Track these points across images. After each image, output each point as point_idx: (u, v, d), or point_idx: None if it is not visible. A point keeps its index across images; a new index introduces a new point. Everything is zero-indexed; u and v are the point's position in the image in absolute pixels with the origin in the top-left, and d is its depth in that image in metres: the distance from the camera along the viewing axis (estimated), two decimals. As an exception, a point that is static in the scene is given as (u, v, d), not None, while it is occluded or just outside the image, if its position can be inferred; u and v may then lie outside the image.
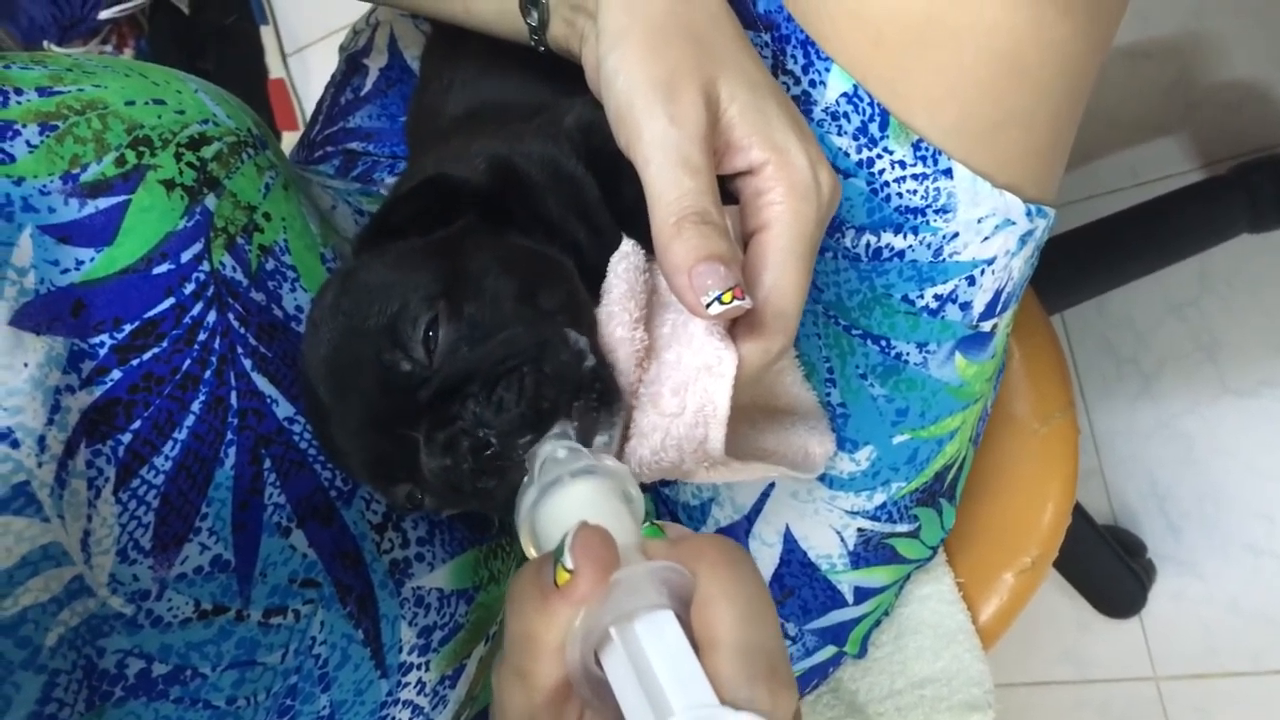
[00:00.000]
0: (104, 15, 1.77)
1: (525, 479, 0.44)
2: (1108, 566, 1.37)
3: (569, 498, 0.41)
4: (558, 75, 0.59)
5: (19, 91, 0.47)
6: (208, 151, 0.52)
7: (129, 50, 1.86)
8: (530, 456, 0.45)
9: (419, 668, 0.56)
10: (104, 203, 0.47)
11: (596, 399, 0.48)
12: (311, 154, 0.86)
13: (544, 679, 0.36)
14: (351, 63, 0.86)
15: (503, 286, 0.49)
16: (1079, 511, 1.26)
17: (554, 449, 0.44)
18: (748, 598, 0.35)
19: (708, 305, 0.43)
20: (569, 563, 0.35)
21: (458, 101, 0.66)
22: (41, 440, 0.42)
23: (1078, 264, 1.24)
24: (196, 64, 1.86)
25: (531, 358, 0.46)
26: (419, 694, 0.56)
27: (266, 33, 1.95)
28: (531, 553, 0.42)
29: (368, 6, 0.87)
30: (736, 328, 0.48)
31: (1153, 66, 1.34)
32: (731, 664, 0.34)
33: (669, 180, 0.44)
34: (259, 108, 1.86)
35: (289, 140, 1.89)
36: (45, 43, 1.77)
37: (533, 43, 0.55)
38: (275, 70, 1.95)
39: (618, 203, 0.55)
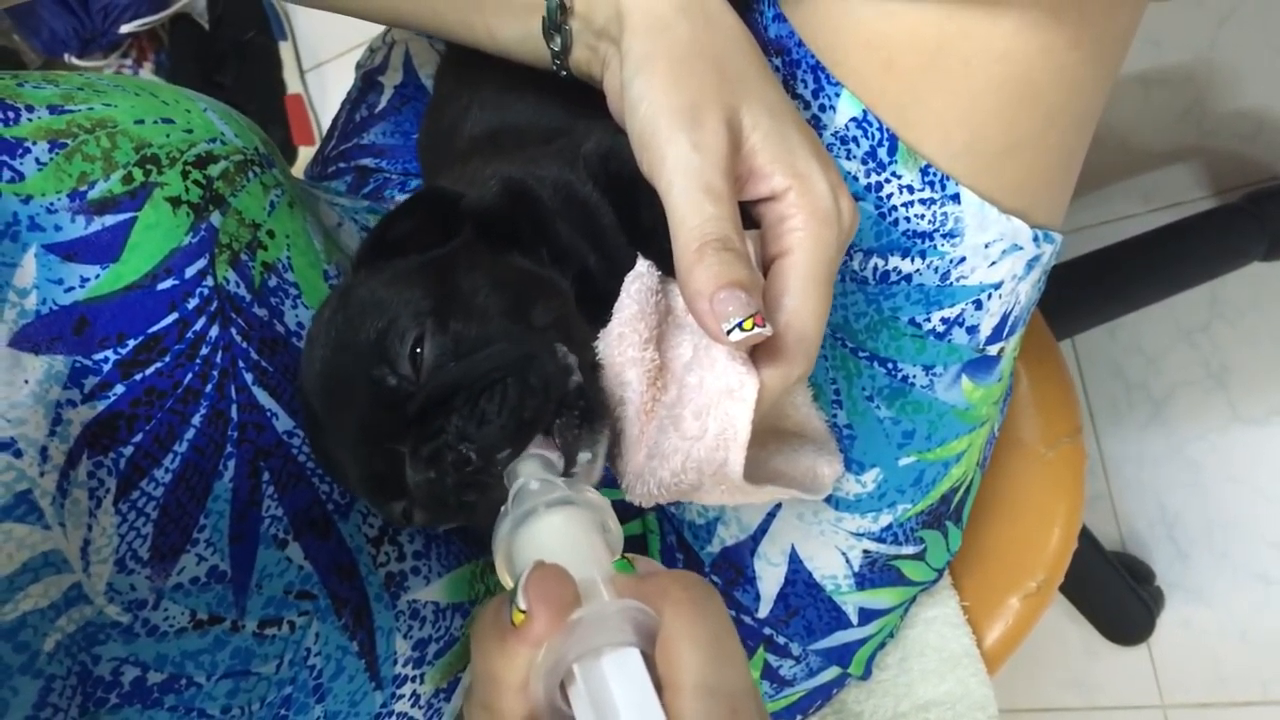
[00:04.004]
0: (125, 29, 1.78)
1: (502, 508, 0.44)
2: (1116, 593, 1.37)
3: (542, 530, 0.41)
4: (575, 98, 0.60)
5: (30, 109, 0.47)
6: (214, 170, 0.52)
7: (149, 64, 1.87)
8: (509, 477, 0.46)
9: (414, 680, 0.56)
10: (110, 220, 0.47)
11: (579, 416, 0.48)
12: (325, 169, 0.86)
13: (509, 715, 0.36)
14: (367, 80, 0.87)
15: (493, 303, 0.50)
16: (1087, 537, 1.26)
17: (528, 480, 0.44)
18: (711, 638, 0.36)
19: (729, 332, 0.43)
20: (522, 604, 0.36)
21: (475, 123, 0.66)
22: (44, 451, 0.43)
23: (1089, 289, 1.24)
24: (215, 78, 1.87)
25: (516, 370, 0.47)
26: (414, 706, 0.56)
27: (285, 48, 1.96)
28: (508, 582, 0.43)
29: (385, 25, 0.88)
30: (757, 352, 0.48)
31: (1167, 93, 1.34)
32: (692, 704, 0.34)
33: (691, 206, 0.44)
34: (276, 122, 1.89)
35: (306, 155, 1.90)
36: (66, 55, 1.79)
37: (555, 67, 0.56)
38: (293, 85, 1.97)
39: (635, 227, 0.55)
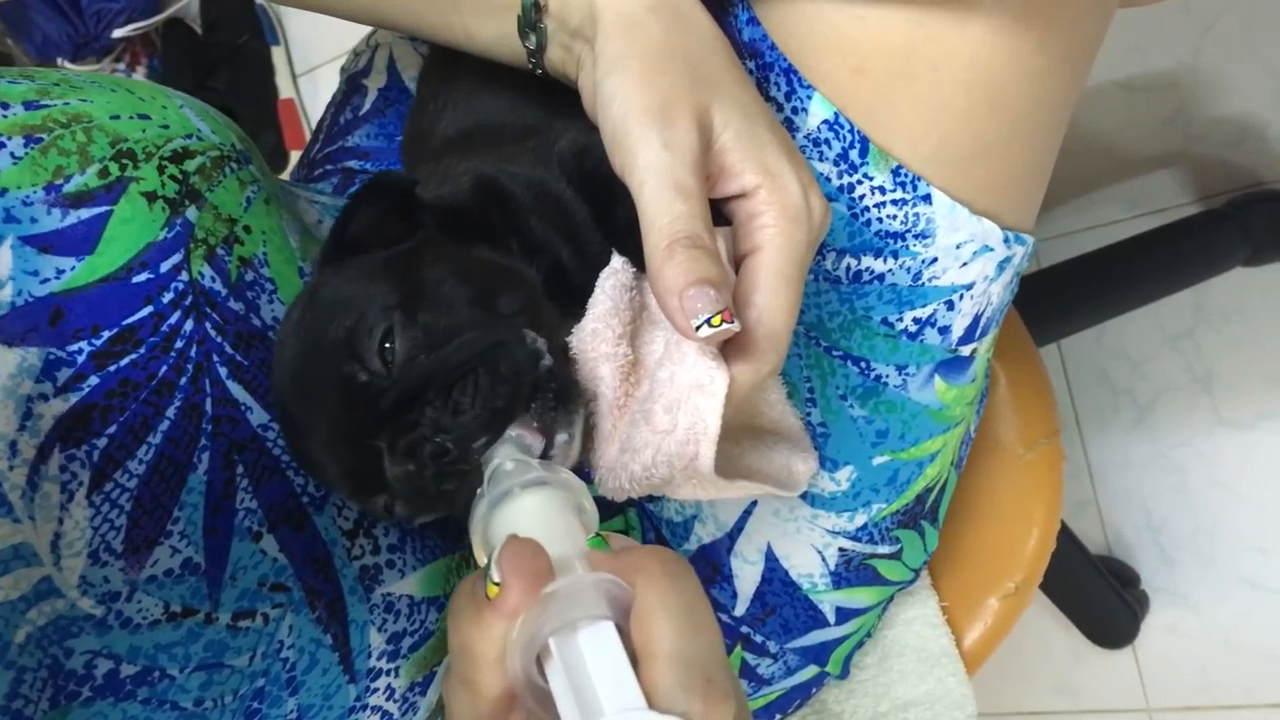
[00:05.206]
0: (117, 33, 1.79)
1: (479, 490, 0.45)
2: (1101, 597, 1.37)
3: (518, 510, 0.42)
4: (553, 98, 0.60)
5: (5, 105, 0.48)
6: (190, 165, 0.53)
7: (141, 68, 1.88)
8: (485, 461, 0.46)
9: (388, 673, 0.56)
10: (86, 213, 0.48)
11: (554, 398, 0.49)
12: (311, 172, 0.87)
13: (487, 689, 0.37)
14: (351, 83, 0.87)
15: (458, 294, 0.50)
16: (1073, 541, 1.27)
17: (503, 461, 0.45)
18: (685, 609, 0.36)
19: (697, 328, 0.43)
20: (495, 576, 0.36)
21: (452, 122, 0.67)
22: (13, 445, 0.43)
23: (1074, 294, 1.25)
24: (208, 83, 1.88)
25: (486, 360, 0.47)
26: (388, 700, 0.56)
27: (277, 53, 1.97)
28: (484, 563, 0.43)
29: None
30: (728, 348, 0.48)
31: (1151, 100, 1.35)
32: (667, 674, 0.34)
33: (662, 205, 0.45)
34: (269, 127, 1.89)
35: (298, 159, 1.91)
36: (59, 60, 1.80)
37: (530, 66, 0.56)
38: (285, 90, 1.98)
39: (610, 224, 0.56)
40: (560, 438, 0.49)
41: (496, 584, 0.36)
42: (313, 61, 2.00)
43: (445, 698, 0.40)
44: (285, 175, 0.97)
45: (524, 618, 0.36)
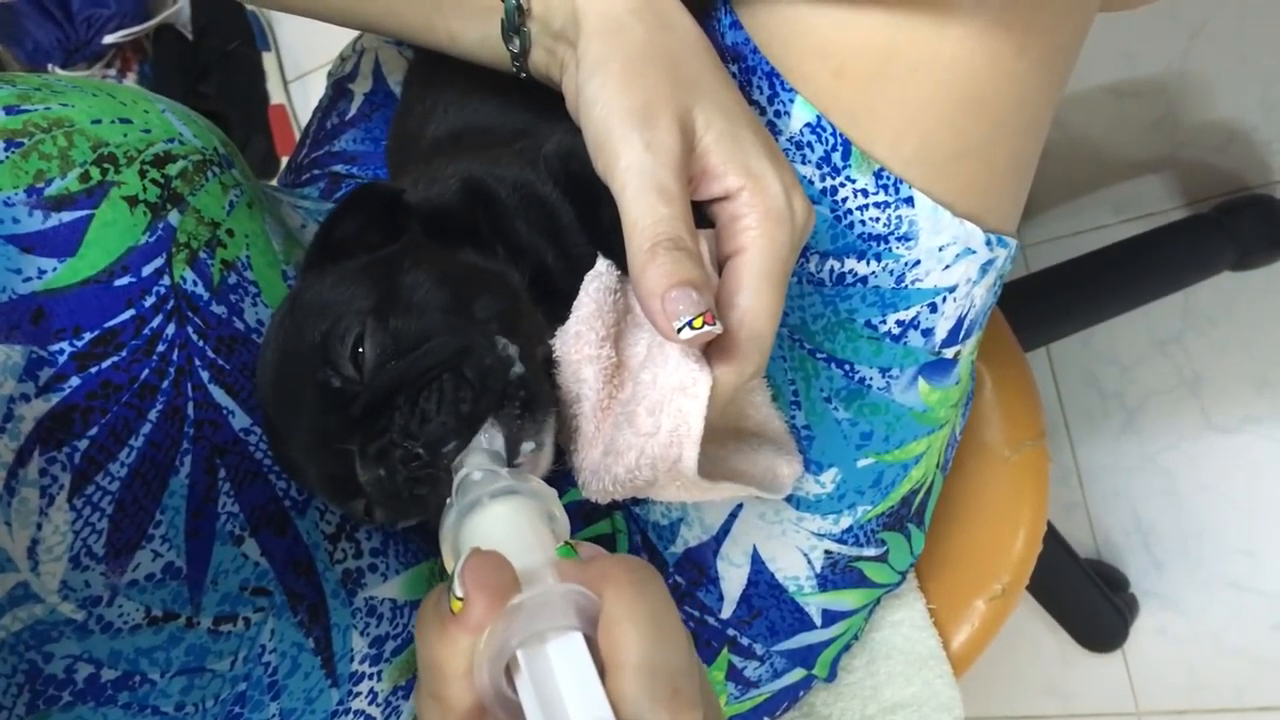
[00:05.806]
0: (108, 39, 1.79)
1: (448, 500, 0.44)
2: (1090, 600, 1.37)
3: (486, 519, 0.42)
4: (538, 101, 0.60)
5: None
6: (172, 169, 0.53)
7: (132, 74, 1.88)
8: (455, 470, 0.46)
9: (371, 677, 0.56)
10: (67, 216, 0.48)
11: (520, 406, 0.49)
12: (298, 177, 0.87)
13: (457, 703, 0.36)
14: (338, 88, 0.87)
15: (433, 298, 0.50)
16: (1061, 545, 1.27)
17: (471, 472, 0.45)
18: (652, 619, 0.36)
19: (679, 330, 0.44)
20: (458, 591, 0.36)
21: (439, 125, 0.67)
22: None
23: (1062, 299, 1.26)
24: (199, 89, 1.88)
25: (453, 365, 0.47)
26: (371, 704, 0.56)
27: (268, 59, 1.98)
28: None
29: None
30: (711, 349, 0.48)
31: (1139, 105, 1.36)
32: (634, 684, 0.34)
33: (644, 207, 0.45)
34: (260, 132, 1.89)
35: (289, 165, 1.91)
36: (50, 66, 1.79)
37: (514, 69, 0.56)
38: (276, 96, 1.98)
39: (595, 226, 0.56)
40: (526, 446, 0.49)
41: (460, 599, 0.36)
42: (304, 67, 2.00)
43: (417, 711, 0.39)
44: (275, 181, 0.97)
45: (490, 631, 0.35)
